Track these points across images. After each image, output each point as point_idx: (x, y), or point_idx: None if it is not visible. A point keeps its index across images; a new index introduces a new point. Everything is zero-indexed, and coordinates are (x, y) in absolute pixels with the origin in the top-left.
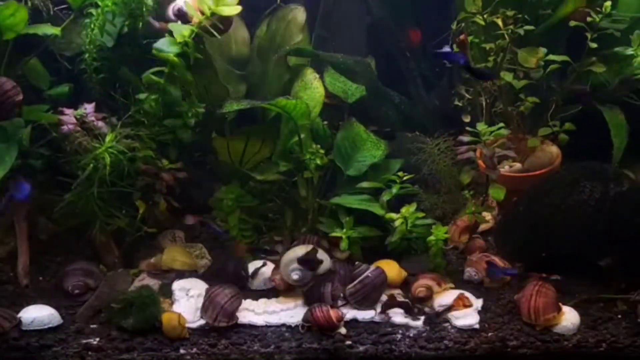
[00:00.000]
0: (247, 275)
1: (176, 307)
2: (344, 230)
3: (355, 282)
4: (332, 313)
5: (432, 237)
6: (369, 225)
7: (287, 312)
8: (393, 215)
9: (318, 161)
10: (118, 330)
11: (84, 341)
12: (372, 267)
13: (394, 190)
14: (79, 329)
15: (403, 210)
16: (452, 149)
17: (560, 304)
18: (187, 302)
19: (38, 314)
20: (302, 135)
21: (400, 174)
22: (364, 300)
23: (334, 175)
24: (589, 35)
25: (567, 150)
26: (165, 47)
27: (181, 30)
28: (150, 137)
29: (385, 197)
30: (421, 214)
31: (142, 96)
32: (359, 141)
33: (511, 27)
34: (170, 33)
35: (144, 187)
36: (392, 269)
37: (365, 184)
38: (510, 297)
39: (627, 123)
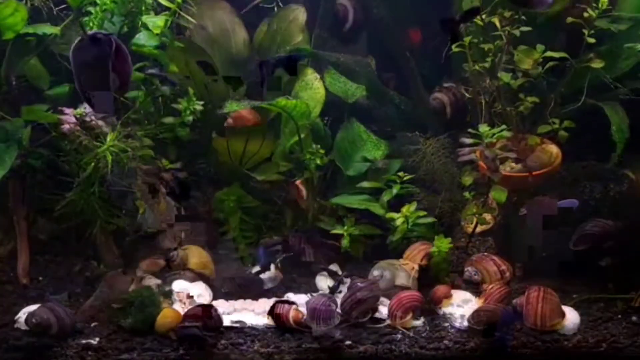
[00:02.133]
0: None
1: (176, 307)
2: (345, 227)
3: (346, 298)
4: (292, 312)
5: (434, 249)
6: (369, 224)
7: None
8: (394, 214)
9: (318, 161)
10: (118, 329)
11: (84, 341)
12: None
13: (395, 190)
14: (79, 329)
15: (404, 209)
16: (450, 149)
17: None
18: (187, 302)
19: None
20: (302, 135)
21: (400, 174)
22: (356, 314)
23: (334, 175)
24: (586, 31)
25: (567, 150)
26: (144, 41)
27: (156, 22)
28: (149, 136)
29: (385, 197)
30: (422, 213)
31: (132, 94)
32: (359, 141)
33: (507, 28)
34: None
35: (143, 187)
36: None
37: (365, 184)
38: (510, 297)
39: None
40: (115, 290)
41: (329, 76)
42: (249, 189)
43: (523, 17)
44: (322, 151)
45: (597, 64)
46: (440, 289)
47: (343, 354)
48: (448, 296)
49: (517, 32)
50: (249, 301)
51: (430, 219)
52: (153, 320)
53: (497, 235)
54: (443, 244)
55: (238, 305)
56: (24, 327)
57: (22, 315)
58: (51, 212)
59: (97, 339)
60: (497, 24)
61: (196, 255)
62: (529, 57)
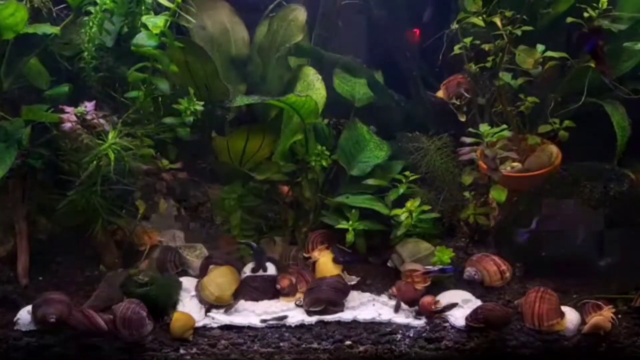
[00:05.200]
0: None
1: (180, 308)
2: (350, 222)
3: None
4: None
5: (435, 259)
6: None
7: (288, 313)
8: (398, 210)
9: (324, 163)
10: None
11: (84, 341)
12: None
13: (401, 190)
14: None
15: (408, 204)
16: (450, 148)
17: (562, 308)
18: (191, 302)
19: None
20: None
21: (407, 173)
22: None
23: (337, 175)
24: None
25: (567, 150)
26: (143, 41)
27: (156, 22)
28: (149, 136)
29: (391, 196)
30: (426, 207)
31: (132, 94)
32: (363, 141)
33: (509, 27)
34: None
35: (144, 187)
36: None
37: (370, 181)
38: (510, 297)
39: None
40: (115, 290)
41: (337, 78)
42: (249, 188)
43: (525, 17)
44: (327, 152)
45: None
46: (426, 301)
47: (343, 354)
48: (435, 303)
49: (518, 32)
50: (249, 302)
51: (434, 215)
52: (170, 303)
53: (497, 235)
54: (445, 255)
55: (239, 307)
56: (24, 328)
57: (22, 314)
58: (51, 212)
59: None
60: (499, 23)
61: (218, 283)
62: (530, 56)
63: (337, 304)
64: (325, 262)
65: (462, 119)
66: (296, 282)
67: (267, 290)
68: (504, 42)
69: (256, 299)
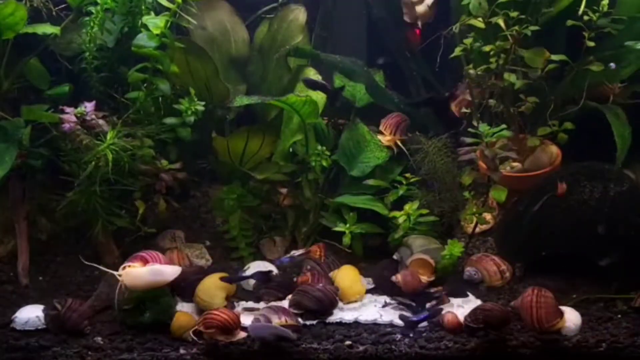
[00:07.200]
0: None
1: (179, 308)
2: (347, 225)
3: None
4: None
5: (446, 252)
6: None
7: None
8: (397, 212)
9: (324, 163)
10: (134, 328)
11: (84, 341)
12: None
13: (401, 191)
14: (79, 329)
15: (406, 207)
16: (451, 148)
17: (560, 307)
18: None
19: (32, 314)
20: (308, 135)
21: (407, 175)
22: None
23: (337, 175)
24: (586, 34)
25: (567, 150)
26: (144, 42)
27: (156, 22)
28: (149, 136)
29: (391, 197)
30: (424, 211)
31: (132, 95)
32: (363, 142)
33: (515, 28)
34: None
35: (143, 187)
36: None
37: (371, 182)
38: (510, 297)
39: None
40: (115, 290)
41: (338, 78)
42: (249, 188)
43: (529, 18)
44: (327, 153)
45: (597, 67)
46: (452, 318)
47: (343, 354)
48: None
49: (528, 32)
50: (250, 303)
51: (432, 218)
52: (170, 309)
53: (497, 235)
54: (456, 248)
55: (239, 308)
56: (19, 327)
57: (18, 315)
58: (51, 212)
59: (98, 338)
60: (502, 24)
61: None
62: (539, 56)
63: (318, 314)
64: (348, 274)
65: (475, 123)
66: (311, 281)
67: (286, 288)
68: (509, 43)
69: (281, 298)
